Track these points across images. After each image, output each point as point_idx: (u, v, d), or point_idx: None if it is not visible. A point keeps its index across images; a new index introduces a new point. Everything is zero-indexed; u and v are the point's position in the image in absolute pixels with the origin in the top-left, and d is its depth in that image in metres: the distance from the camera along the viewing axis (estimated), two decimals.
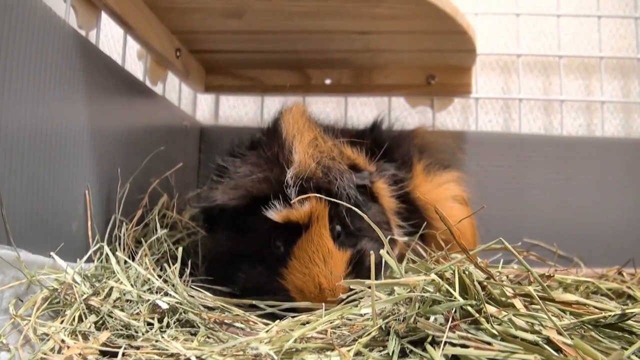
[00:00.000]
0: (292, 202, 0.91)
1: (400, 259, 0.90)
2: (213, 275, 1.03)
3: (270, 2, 1.24)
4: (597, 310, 0.69)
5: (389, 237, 0.78)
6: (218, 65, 1.73)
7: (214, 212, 1.02)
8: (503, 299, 0.69)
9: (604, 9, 1.85)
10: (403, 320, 0.69)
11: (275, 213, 0.91)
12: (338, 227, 0.97)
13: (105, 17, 1.15)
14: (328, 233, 0.94)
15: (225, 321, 0.87)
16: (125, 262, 0.97)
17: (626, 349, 0.60)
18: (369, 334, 0.70)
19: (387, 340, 0.68)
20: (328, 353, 0.69)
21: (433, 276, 0.72)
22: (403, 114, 1.89)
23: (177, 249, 1.18)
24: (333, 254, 0.92)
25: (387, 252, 0.74)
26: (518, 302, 0.67)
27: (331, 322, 0.78)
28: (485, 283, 0.70)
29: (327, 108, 1.87)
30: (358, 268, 0.95)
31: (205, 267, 1.08)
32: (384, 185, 1.11)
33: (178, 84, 1.67)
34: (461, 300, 0.67)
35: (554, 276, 0.81)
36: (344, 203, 0.84)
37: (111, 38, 1.75)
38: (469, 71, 1.69)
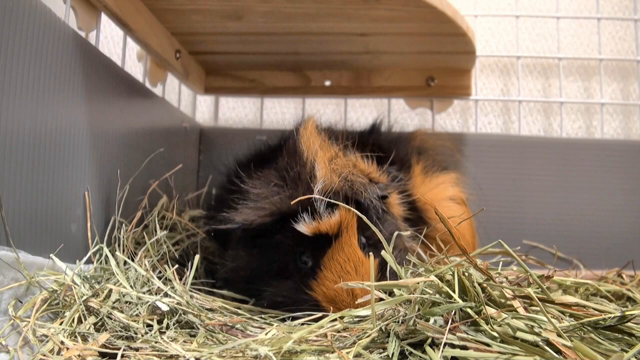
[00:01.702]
0: (320, 213, 0.93)
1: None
2: (234, 290, 1.05)
3: (270, 4, 1.24)
4: (596, 312, 0.69)
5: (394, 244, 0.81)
6: (218, 67, 1.73)
7: (234, 232, 1.03)
8: (502, 300, 0.69)
9: (603, 11, 1.85)
10: (403, 322, 0.69)
11: (305, 226, 0.92)
12: (362, 238, 0.99)
13: (105, 19, 1.15)
14: (357, 242, 0.96)
15: (227, 323, 0.86)
16: (125, 263, 0.97)
17: (626, 351, 0.60)
18: (368, 336, 0.70)
19: (387, 342, 0.68)
20: (327, 355, 0.69)
21: (433, 278, 0.72)
22: (402, 115, 1.90)
23: (176, 250, 1.19)
24: (363, 262, 0.93)
25: (389, 256, 0.73)
26: (517, 304, 0.67)
27: (331, 325, 0.78)
28: (484, 285, 0.70)
29: (326, 110, 1.87)
30: (384, 277, 0.96)
31: (224, 281, 1.08)
32: (395, 195, 1.12)
33: (178, 86, 1.67)
34: (461, 302, 0.67)
35: (553, 277, 0.81)
36: (362, 215, 0.85)
37: (111, 39, 1.75)
38: (468, 73, 1.69)
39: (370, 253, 0.77)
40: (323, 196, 0.93)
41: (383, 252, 0.75)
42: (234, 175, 1.10)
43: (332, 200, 0.91)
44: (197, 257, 0.99)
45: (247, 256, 1.02)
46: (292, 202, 0.90)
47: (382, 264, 0.96)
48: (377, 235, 0.98)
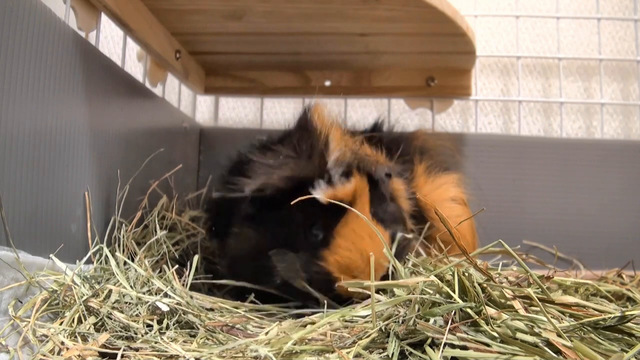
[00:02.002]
0: (335, 181, 0.95)
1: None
2: (238, 274, 1.04)
3: (270, 4, 1.24)
4: (596, 313, 0.69)
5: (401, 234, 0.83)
6: (218, 67, 1.73)
7: (237, 213, 1.03)
8: (502, 300, 0.69)
9: (603, 11, 1.85)
10: (403, 322, 0.69)
11: (322, 192, 0.93)
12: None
13: (105, 19, 1.15)
14: (369, 211, 0.97)
15: (228, 323, 0.86)
16: (125, 263, 0.97)
17: (626, 352, 0.60)
18: (368, 336, 0.70)
19: (387, 342, 0.68)
20: (327, 355, 0.69)
21: (432, 278, 0.72)
22: (403, 116, 1.90)
23: (176, 250, 1.19)
24: (377, 230, 0.93)
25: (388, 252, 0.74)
26: (517, 304, 0.67)
27: (331, 324, 0.78)
28: (485, 285, 0.70)
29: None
30: (395, 249, 0.98)
31: (227, 267, 1.09)
32: (401, 187, 1.14)
33: (178, 86, 1.67)
34: (461, 302, 0.67)
35: (553, 277, 0.81)
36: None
37: (111, 39, 1.75)
38: (468, 73, 1.69)
39: (371, 253, 0.77)
40: (337, 166, 0.96)
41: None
42: (242, 155, 1.12)
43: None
44: (196, 257, 0.99)
45: (254, 233, 1.02)
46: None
47: (392, 238, 0.99)
48: (384, 212, 1.03)
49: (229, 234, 1.07)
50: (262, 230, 1.01)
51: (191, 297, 0.96)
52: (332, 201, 0.88)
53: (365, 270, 0.92)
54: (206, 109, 1.93)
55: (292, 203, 0.87)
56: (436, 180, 1.30)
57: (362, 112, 1.91)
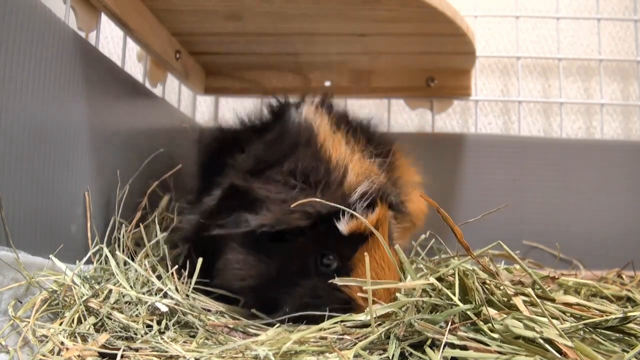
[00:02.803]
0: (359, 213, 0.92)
1: None
2: (244, 304, 1.00)
3: (270, 5, 1.24)
4: (597, 313, 0.69)
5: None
6: (218, 67, 1.73)
7: (232, 237, 0.99)
8: (505, 299, 0.69)
9: (603, 11, 1.85)
10: (403, 324, 0.69)
11: (345, 224, 0.91)
12: None
13: (105, 19, 1.14)
14: (387, 240, 0.96)
15: (224, 321, 0.86)
16: (125, 263, 0.97)
17: (627, 352, 0.60)
18: (368, 338, 0.70)
19: (387, 344, 0.68)
20: (327, 355, 0.69)
21: (432, 280, 0.72)
22: (402, 116, 1.90)
23: (175, 251, 1.19)
24: (392, 259, 0.92)
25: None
26: (519, 302, 0.67)
27: (331, 326, 0.78)
28: (487, 282, 0.70)
29: None
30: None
31: (222, 287, 1.02)
32: None
33: (178, 86, 1.67)
34: (461, 305, 0.67)
35: (559, 278, 0.81)
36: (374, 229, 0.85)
37: (111, 40, 1.75)
38: (468, 73, 1.69)
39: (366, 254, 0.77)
40: (360, 198, 0.93)
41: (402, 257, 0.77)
42: (235, 178, 1.04)
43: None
44: (199, 260, 0.96)
45: (255, 262, 0.97)
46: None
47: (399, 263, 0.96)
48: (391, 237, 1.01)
49: (219, 253, 1.01)
50: (265, 260, 0.96)
51: (190, 297, 0.96)
52: (364, 221, 0.86)
53: (387, 299, 0.89)
54: (206, 109, 1.93)
55: (293, 205, 0.86)
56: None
57: (362, 112, 1.91)
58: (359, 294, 0.89)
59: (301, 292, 0.93)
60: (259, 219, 0.92)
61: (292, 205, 0.87)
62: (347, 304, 0.90)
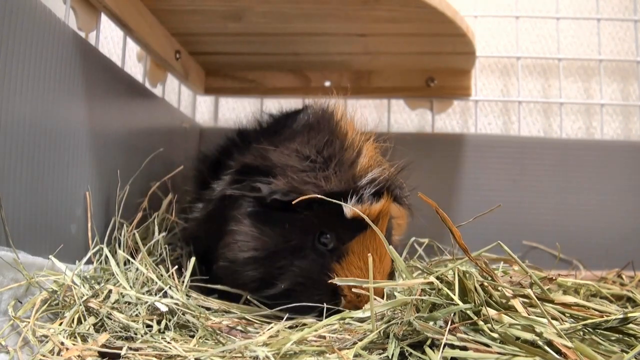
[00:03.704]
0: (364, 198, 0.93)
1: None
2: (236, 279, 0.99)
3: (270, 5, 1.24)
4: (597, 313, 0.69)
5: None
6: (218, 67, 1.73)
7: (239, 209, 0.99)
8: (504, 300, 0.69)
9: (603, 11, 1.85)
10: (402, 324, 0.69)
11: (350, 209, 0.91)
12: None
13: (105, 19, 1.15)
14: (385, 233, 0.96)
15: (226, 323, 0.86)
16: (125, 264, 0.97)
17: (626, 352, 0.60)
18: (368, 337, 0.70)
19: (387, 343, 0.68)
20: (327, 355, 0.69)
21: (432, 279, 0.72)
22: (402, 116, 1.90)
23: (174, 251, 1.19)
24: (386, 252, 0.93)
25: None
26: (517, 303, 0.67)
27: (330, 326, 0.78)
28: (486, 284, 0.70)
29: None
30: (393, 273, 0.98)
31: (224, 270, 1.01)
32: None
33: (178, 86, 1.67)
34: (461, 304, 0.67)
35: (556, 279, 0.81)
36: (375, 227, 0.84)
37: (111, 40, 1.75)
38: (468, 74, 1.69)
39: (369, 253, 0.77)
40: (370, 184, 0.93)
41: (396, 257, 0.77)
42: (243, 143, 1.08)
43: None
44: (192, 259, 0.98)
45: (259, 233, 0.96)
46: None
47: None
48: (389, 232, 1.01)
49: (226, 232, 1.01)
50: (267, 231, 0.96)
51: (189, 297, 0.96)
52: (362, 216, 0.85)
53: (378, 293, 0.90)
54: (206, 110, 1.93)
55: (294, 202, 0.86)
56: None
57: (362, 112, 1.90)
58: (344, 286, 0.90)
59: (295, 271, 0.93)
60: (272, 186, 0.93)
61: (294, 202, 0.86)
62: (334, 292, 0.91)
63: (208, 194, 1.08)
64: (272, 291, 0.95)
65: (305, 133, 1.03)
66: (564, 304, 0.70)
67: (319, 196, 0.85)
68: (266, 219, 0.97)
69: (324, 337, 0.75)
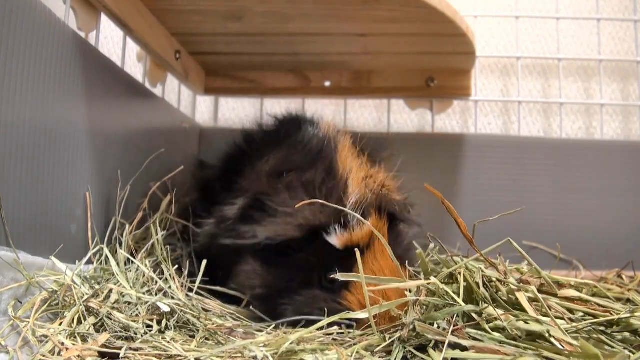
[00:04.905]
0: (352, 225, 0.92)
1: None
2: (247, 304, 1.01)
3: (270, 5, 1.24)
4: (599, 308, 0.69)
5: None
6: (218, 68, 1.73)
7: (244, 249, 1.00)
8: (512, 296, 0.69)
9: (603, 12, 1.85)
10: (406, 327, 0.68)
11: (337, 238, 0.91)
12: None
13: (105, 19, 1.14)
14: (389, 250, 0.95)
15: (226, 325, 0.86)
16: (125, 264, 0.97)
17: (631, 352, 0.60)
18: (369, 337, 0.70)
19: (390, 345, 0.68)
20: (327, 353, 0.68)
21: (433, 280, 0.71)
22: (402, 116, 1.90)
23: (174, 252, 1.18)
24: (398, 269, 0.92)
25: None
26: (524, 300, 0.67)
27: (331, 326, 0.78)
28: (493, 279, 0.70)
29: (326, 110, 1.87)
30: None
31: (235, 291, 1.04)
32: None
33: (178, 86, 1.67)
34: (463, 305, 0.66)
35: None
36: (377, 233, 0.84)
37: (111, 40, 1.75)
38: (468, 74, 1.69)
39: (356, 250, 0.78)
40: (356, 209, 0.93)
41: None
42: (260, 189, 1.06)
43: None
44: (204, 262, 0.97)
45: (264, 273, 0.99)
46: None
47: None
48: (400, 248, 1.01)
49: (235, 261, 1.03)
50: (272, 271, 0.98)
51: (191, 297, 0.96)
52: (349, 246, 0.86)
53: (386, 312, 0.90)
54: (206, 110, 1.93)
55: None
56: None
57: (362, 112, 1.91)
58: (360, 308, 0.89)
59: (302, 301, 0.93)
60: (263, 231, 0.95)
61: (277, 245, 0.90)
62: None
63: (219, 214, 1.08)
64: (280, 320, 0.95)
65: (308, 169, 1.01)
66: (567, 298, 0.70)
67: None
68: (270, 260, 0.98)
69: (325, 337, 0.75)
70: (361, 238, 0.92)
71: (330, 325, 0.80)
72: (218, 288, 1.02)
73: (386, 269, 0.93)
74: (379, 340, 0.70)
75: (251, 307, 0.99)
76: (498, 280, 0.71)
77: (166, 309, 0.83)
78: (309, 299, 0.93)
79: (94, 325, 0.79)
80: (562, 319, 0.67)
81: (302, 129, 1.14)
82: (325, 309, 0.87)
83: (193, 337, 0.81)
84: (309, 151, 1.07)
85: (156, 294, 0.89)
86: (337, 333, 0.83)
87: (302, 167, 1.02)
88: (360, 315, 0.78)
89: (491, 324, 0.64)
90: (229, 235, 1.02)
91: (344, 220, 0.92)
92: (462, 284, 0.69)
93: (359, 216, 0.88)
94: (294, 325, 0.91)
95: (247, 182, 1.06)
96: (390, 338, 0.69)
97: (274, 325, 0.93)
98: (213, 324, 0.86)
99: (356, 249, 0.78)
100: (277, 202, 0.96)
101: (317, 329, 0.77)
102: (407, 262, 0.97)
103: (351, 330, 0.84)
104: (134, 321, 0.80)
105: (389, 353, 0.68)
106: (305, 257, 0.95)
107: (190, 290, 0.99)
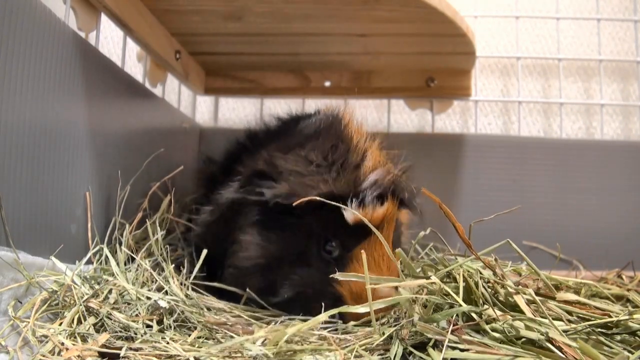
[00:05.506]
0: (367, 203, 0.91)
1: None
2: (243, 284, 0.99)
3: (270, 5, 1.24)
4: (598, 310, 0.69)
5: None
6: (218, 68, 1.73)
7: (246, 217, 0.99)
8: (510, 298, 0.69)
9: (603, 12, 1.85)
10: (405, 325, 0.68)
11: (351, 212, 0.89)
12: None
13: (105, 19, 1.14)
14: (391, 238, 0.94)
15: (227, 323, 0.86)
16: (125, 264, 0.97)
17: (630, 352, 0.60)
18: (370, 337, 0.70)
19: (389, 343, 0.68)
20: (326, 353, 0.68)
21: (434, 279, 0.71)
22: (402, 116, 1.90)
23: (174, 252, 1.19)
24: (393, 260, 0.92)
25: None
26: (522, 302, 0.67)
27: (330, 323, 0.78)
28: (491, 281, 0.70)
29: None
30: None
31: (232, 277, 1.02)
32: None
33: (178, 86, 1.67)
34: (464, 305, 0.66)
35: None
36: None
37: (111, 40, 1.75)
38: (468, 74, 1.69)
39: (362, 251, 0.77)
40: (372, 186, 0.92)
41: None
42: (250, 149, 1.07)
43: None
44: (204, 251, 0.97)
45: (264, 241, 0.97)
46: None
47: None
48: (397, 238, 0.99)
49: (233, 241, 1.01)
50: (273, 239, 0.96)
51: (190, 294, 0.96)
52: (364, 221, 0.83)
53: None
54: (206, 110, 1.93)
55: (294, 204, 0.85)
56: None
57: (362, 112, 1.90)
58: (350, 295, 0.89)
59: (298, 280, 0.93)
60: (274, 190, 0.93)
61: (294, 203, 0.86)
62: (339, 300, 0.89)
63: (217, 198, 1.08)
64: (276, 299, 0.95)
65: (313, 139, 1.02)
66: (565, 302, 0.70)
67: (317, 198, 0.84)
68: (271, 226, 0.96)
69: (325, 338, 0.75)
70: (374, 219, 0.90)
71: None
72: (216, 284, 1.02)
73: (385, 256, 0.91)
74: (378, 336, 0.70)
75: (247, 289, 0.98)
76: (496, 282, 0.71)
77: (165, 304, 0.83)
78: (305, 277, 0.92)
79: (94, 325, 0.79)
80: (561, 319, 0.67)
81: (302, 122, 1.15)
82: (323, 304, 0.86)
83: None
84: (312, 129, 1.06)
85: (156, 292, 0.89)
86: (330, 328, 0.82)
87: (305, 142, 1.01)
88: (361, 309, 0.78)
89: (490, 325, 0.64)
90: (236, 193, 1.01)
91: (363, 196, 0.91)
92: (462, 284, 0.69)
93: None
94: (290, 306, 0.90)
95: (244, 167, 1.07)
96: (387, 333, 0.69)
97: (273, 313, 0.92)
98: (212, 320, 0.86)
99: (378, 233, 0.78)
100: (283, 167, 0.95)
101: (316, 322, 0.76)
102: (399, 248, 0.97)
103: (345, 326, 0.84)
104: (134, 321, 0.80)
105: (387, 350, 0.68)
106: (310, 222, 0.93)
107: (190, 287, 0.99)
